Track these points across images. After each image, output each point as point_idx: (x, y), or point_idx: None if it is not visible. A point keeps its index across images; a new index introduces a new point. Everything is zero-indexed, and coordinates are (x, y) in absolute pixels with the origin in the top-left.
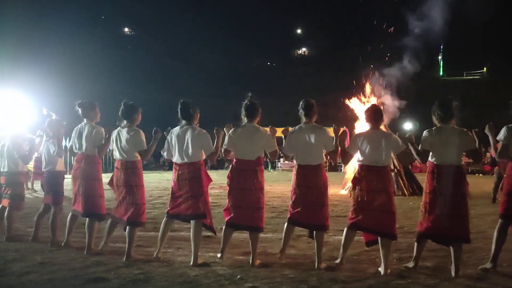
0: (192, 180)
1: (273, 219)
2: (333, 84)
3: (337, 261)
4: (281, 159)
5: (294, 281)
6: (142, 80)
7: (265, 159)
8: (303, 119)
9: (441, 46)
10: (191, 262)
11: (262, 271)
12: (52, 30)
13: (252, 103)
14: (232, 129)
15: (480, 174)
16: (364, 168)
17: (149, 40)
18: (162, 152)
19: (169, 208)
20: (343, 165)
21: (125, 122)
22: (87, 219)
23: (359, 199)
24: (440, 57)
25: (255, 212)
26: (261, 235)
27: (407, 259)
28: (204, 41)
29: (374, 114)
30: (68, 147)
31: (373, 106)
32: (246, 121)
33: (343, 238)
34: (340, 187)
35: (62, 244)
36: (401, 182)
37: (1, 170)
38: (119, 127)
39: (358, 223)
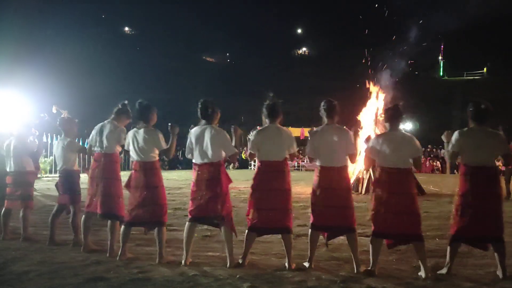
0: (211, 180)
1: None
2: (334, 84)
3: (371, 267)
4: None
5: (293, 281)
6: (142, 80)
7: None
8: (325, 120)
9: (442, 47)
10: (228, 265)
11: (261, 271)
12: (53, 29)
13: (274, 103)
14: (255, 131)
15: None
16: (385, 171)
17: (150, 39)
18: (186, 154)
19: (189, 211)
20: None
21: (140, 123)
22: (109, 221)
23: (382, 203)
24: (440, 58)
25: (283, 214)
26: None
27: (407, 259)
28: (204, 41)
29: (396, 114)
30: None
31: (396, 106)
32: (268, 121)
33: (370, 248)
34: None
35: (82, 250)
36: None
37: (7, 170)
38: (135, 128)
39: (384, 230)
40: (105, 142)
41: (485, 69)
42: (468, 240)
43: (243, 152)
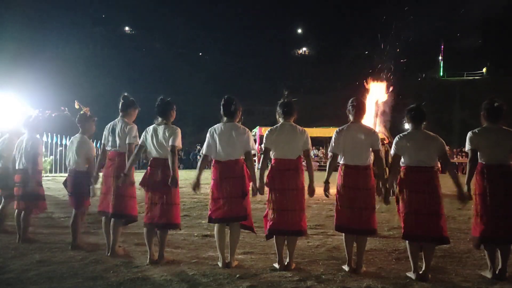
0: (235, 179)
1: None
2: (333, 83)
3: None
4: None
5: (292, 280)
6: (142, 80)
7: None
8: (351, 118)
9: (442, 47)
10: (226, 262)
11: (261, 271)
12: (52, 29)
13: (289, 102)
14: (269, 128)
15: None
16: (410, 170)
17: (149, 39)
18: (205, 152)
19: (210, 212)
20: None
21: (159, 119)
22: (112, 220)
23: (409, 203)
24: (440, 58)
25: (298, 215)
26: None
27: (406, 259)
28: (204, 41)
29: (419, 114)
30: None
31: (418, 106)
32: (282, 119)
33: (409, 251)
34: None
35: (108, 254)
36: None
37: (16, 167)
38: (154, 124)
39: (415, 232)
40: (117, 141)
41: (484, 69)
42: (495, 240)
43: None
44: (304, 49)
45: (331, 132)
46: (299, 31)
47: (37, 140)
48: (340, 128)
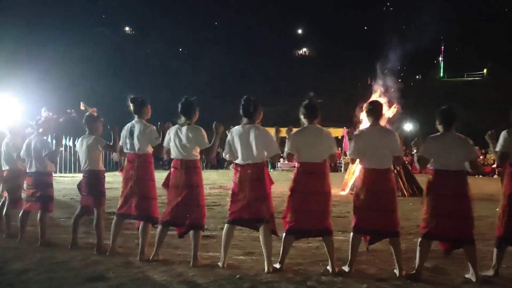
0: (255, 182)
1: None
2: (334, 84)
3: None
4: (281, 160)
5: (293, 281)
6: (143, 80)
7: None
8: (369, 121)
9: (442, 47)
10: (265, 269)
11: (262, 272)
12: (52, 30)
13: (314, 103)
14: (293, 131)
15: (480, 176)
16: (438, 173)
17: (150, 39)
18: (224, 154)
19: (229, 213)
20: (342, 166)
21: (183, 119)
22: (142, 223)
23: (436, 206)
24: (440, 58)
25: (323, 215)
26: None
27: (406, 260)
28: (205, 41)
29: (450, 116)
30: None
31: (449, 107)
32: (307, 122)
33: (418, 249)
34: (340, 188)
35: (107, 253)
36: (401, 183)
37: (27, 170)
38: (177, 125)
39: (434, 233)
40: (136, 143)
41: (485, 70)
42: None
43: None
44: (304, 49)
45: (332, 133)
46: (300, 31)
47: (46, 141)
48: (358, 131)
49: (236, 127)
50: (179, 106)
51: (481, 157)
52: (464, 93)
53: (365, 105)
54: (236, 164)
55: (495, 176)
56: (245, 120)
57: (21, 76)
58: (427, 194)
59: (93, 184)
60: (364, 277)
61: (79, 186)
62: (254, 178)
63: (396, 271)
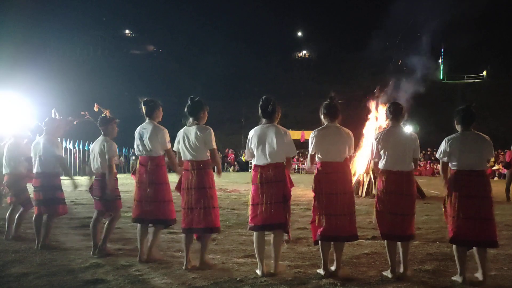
0: (277, 183)
1: None
2: (334, 87)
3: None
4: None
5: (293, 284)
6: (143, 82)
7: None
8: (390, 123)
9: (442, 50)
10: (273, 270)
11: (261, 274)
12: (53, 32)
13: (335, 103)
14: (314, 131)
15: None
16: (460, 174)
17: (150, 42)
18: (246, 157)
19: (251, 218)
20: None
21: (190, 120)
22: (154, 226)
23: (459, 208)
24: (440, 61)
25: (349, 219)
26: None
27: (407, 262)
28: (205, 44)
29: (469, 115)
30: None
31: (468, 106)
32: (327, 122)
33: (456, 255)
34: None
35: (138, 259)
36: None
37: (34, 171)
38: (186, 126)
39: (461, 236)
40: (148, 145)
41: (485, 72)
42: None
43: (242, 154)
44: (304, 52)
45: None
46: (300, 34)
47: (57, 142)
48: (380, 133)
49: (256, 127)
50: (186, 107)
51: None
52: (464, 95)
53: (386, 106)
54: (256, 165)
55: (495, 178)
56: (264, 120)
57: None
58: (448, 195)
59: (106, 188)
60: (364, 278)
61: (90, 189)
62: (275, 179)
63: (387, 273)
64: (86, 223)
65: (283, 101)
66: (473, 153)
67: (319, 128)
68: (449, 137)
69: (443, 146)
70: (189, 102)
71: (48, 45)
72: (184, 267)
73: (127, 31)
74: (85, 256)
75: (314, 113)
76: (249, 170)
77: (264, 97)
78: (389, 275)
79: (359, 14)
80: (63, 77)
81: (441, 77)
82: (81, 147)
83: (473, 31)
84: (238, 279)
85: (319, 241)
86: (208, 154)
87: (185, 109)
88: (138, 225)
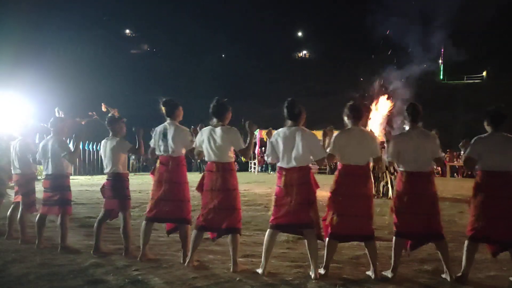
0: (301, 186)
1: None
2: (334, 87)
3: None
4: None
5: (292, 284)
6: (143, 82)
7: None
8: (409, 124)
9: (442, 50)
10: (312, 276)
11: (260, 274)
12: (53, 31)
13: (358, 105)
14: (336, 133)
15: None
16: (487, 174)
17: (150, 42)
18: (266, 157)
19: (272, 218)
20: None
21: (215, 120)
22: (181, 228)
23: (485, 208)
24: (440, 61)
25: (366, 220)
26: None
27: (407, 262)
28: (205, 43)
29: (498, 116)
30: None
31: (497, 107)
32: (351, 123)
33: (464, 252)
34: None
35: (138, 258)
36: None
37: (44, 173)
38: (210, 126)
39: (483, 234)
40: (171, 145)
41: (484, 73)
42: None
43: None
44: (305, 52)
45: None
46: (301, 34)
47: (65, 142)
48: (398, 134)
49: (281, 129)
50: (210, 107)
51: None
52: (464, 95)
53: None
54: (281, 168)
55: None
56: (289, 122)
57: (29, 76)
58: (474, 195)
59: (118, 188)
60: (364, 278)
61: (102, 189)
62: (300, 182)
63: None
64: (86, 223)
65: (283, 101)
66: (501, 155)
67: (342, 130)
68: (478, 136)
69: (472, 145)
70: (215, 103)
71: (49, 45)
72: (185, 264)
73: (127, 31)
74: (85, 256)
75: (314, 113)
76: (249, 170)
77: (289, 99)
78: (389, 275)
79: (360, 14)
80: (64, 76)
81: (441, 77)
82: (86, 147)
83: (473, 32)
84: (238, 279)
85: (327, 239)
86: (233, 154)
87: (210, 110)
88: (143, 225)
